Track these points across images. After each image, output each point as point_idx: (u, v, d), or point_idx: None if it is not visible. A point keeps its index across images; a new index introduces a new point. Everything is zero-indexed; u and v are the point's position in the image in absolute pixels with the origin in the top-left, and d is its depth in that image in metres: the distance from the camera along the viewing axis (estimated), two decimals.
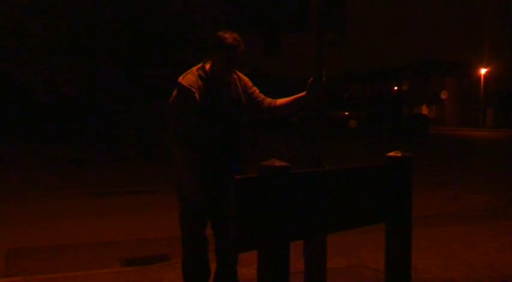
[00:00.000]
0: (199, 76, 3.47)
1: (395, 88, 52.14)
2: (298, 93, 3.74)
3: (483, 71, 48.56)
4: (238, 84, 3.69)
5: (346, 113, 26.32)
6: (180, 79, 3.44)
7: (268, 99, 3.78)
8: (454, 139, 29.08)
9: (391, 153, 3.01)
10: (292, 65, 32.79)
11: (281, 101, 3.76)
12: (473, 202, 9.11)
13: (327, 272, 3.97)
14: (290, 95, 3.82)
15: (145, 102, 18.68)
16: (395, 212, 2.96)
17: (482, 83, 47.91)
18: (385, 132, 25.64)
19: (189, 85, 3.37)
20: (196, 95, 3.35)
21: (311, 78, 3.52)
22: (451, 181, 11.89)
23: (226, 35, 3.48)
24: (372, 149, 16.68)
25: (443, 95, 50.65)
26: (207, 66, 3.56)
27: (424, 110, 51.40)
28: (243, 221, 2.28)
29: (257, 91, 3.79)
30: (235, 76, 3.70)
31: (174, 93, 3.48)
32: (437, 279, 4.54)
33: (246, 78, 3.80)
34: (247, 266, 4.55)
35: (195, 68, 3.55)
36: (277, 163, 2.36)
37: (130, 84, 17.77)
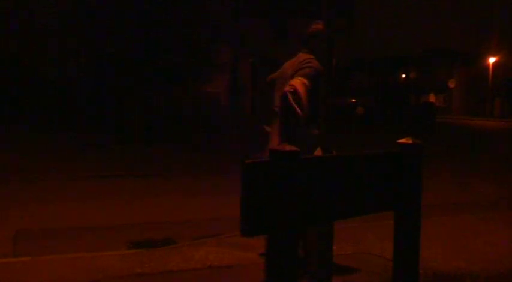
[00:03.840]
0: None
1: (403, 76, 51.89)
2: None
3: (492, 60, 48.17)
4: None
5: (353, 100, 26.24)
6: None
7: None
8: (461, 128, 28.95)
9: (402, 140, 2.97)
10: (298, 50, 32.58)
11: None
12: (481, 191, 9.06)
13: (335, 259, 3.98)
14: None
15: (157, 86, 18.69)
16: (404, 199, 2.93)
17: (490, 72, 47.54)
18: (392, 120, 25.56)
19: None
20: None
21: None
22: (459, 170, 11.85)
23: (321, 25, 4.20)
24: (379, 137, 16.63)
25: (451, 84, 50.32)
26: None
27: (432, 98, 51.17)
28: (251, 205, 2.26)
29: None
30: None
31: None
32: (444, 267, 4.52)
33: None
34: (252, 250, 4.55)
35: (310, 56, 4.08)
36: (288, 148, 2.33)
37: (141, 68, 17.75)
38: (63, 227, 5.93)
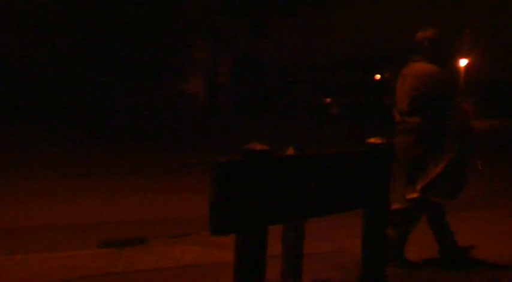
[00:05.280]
0: None
1: (379, 76, 52.38)
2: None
3: (463, 62, 48.87)
4: None
5: (329, 100, 26.43)
6: None
7: None
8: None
9: (372, 140, 3.02)
10: (279, 50, 32.68)
11: None
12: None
13: (306, 257, 4.01)
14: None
15: (130, 84, 18.55)
16: (373, 198, 2.98)
17: (462, 74, 48.25)
18: (366, 120, 25.83)
19: None
20: None
21: None
22: None
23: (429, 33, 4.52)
24: (353, 136, 16.77)
25: None
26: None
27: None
28: (221, 204, 2.28)
29: None
30: None
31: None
32: (415, 263, 4.58)
33: None
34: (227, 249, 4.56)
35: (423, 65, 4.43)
36: (258, 147, 2.35)
37: (113, 65, 17.59)
38: (35, 226, 5.86)
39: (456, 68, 48.83)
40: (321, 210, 2.81)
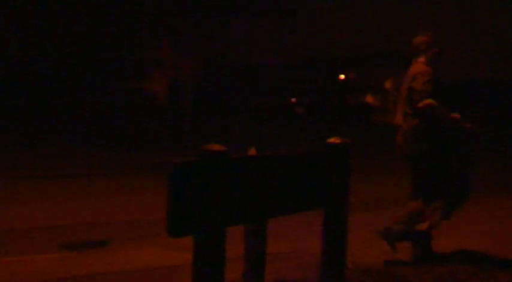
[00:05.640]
0: None
1: (343, 76, 52.92)
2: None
3: None
4: None
5: (294, 100, 26.59)
6: None
7: None
8: (396, 128, 29.77)
9: (330, 140, 3.05)
10: (242, 50, 32.73)
11: None
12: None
13: (268, 257, 4.02)
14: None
15: (90, 82, 18.27)
16: (332, 197, 3.01)
17: None
18: (330, 119, 26.09)
19: None
20: None
21: None
22: (392, 168, 12.13)
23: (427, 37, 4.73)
24: (315, 136, 16.89)
25: (387, 85, 51.78)
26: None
27: (369, 98, 52.41)
28: (178, 205, 2.26)
29: None
30: None
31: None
32: (374, 262, 4.64)
33: None
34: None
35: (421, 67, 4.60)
36: (216, 147, 2.34)
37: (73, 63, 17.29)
38: None
39: None
40: (281, 210, 2.82)
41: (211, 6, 26.37)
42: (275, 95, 32.53)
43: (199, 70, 26.81)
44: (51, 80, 18.15)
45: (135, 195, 7.96)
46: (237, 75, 31.33)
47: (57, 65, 17.59)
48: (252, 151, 3.92)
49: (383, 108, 51.12)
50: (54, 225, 5.92)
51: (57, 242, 5.22)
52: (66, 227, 5.90)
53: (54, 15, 17.49)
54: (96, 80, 18.57)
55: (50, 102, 18.55)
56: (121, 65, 18.91)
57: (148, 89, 21.86)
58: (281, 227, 5.25)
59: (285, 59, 40.86)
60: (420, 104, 4.41)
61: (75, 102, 18.36)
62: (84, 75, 17.78)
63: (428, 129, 4.48)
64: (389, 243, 4.63)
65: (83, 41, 17.56)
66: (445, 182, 4.53)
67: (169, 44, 21.80)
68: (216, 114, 23.11)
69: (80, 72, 17.53)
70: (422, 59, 4.73)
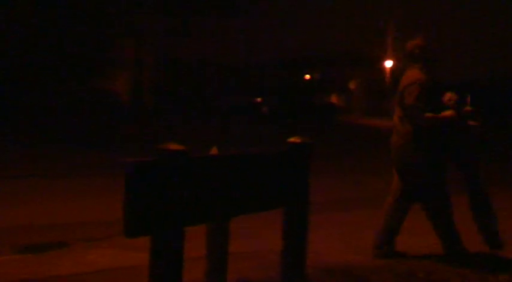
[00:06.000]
0: None
1: (308, 77, 53.29)
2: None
3: (388, 63, 50.61)
4: None
5: (259, 100, 26.63)
6: None
7: None
8: (360, 127, 30.21)
9: (291, 139, 3.03)
10: (202, 48, 32.53)
11: None
12: (375, 187, 9.44)
13: (231, 257, 3.99)
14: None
15: (50, 82, 17.89)
16: (293, 196, 2.99)
17: (387, 75, 49.95)
18: (295, 120, 26.22)
19: None
20: None
21: None
22: (354, 167, 12.27)
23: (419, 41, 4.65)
24: (279, 135, 16.92)
25: (352, 85, 52.43)
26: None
27: (334, 99, 52.92)
28: (134, 205, 2.20)
29: None
30: None
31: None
32: (336, 260, 4.66)
33: None
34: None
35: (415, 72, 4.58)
36: (173, 146, 2.29)
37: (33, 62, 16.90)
38: None
39: (382, 70, 50.56)
40: (241, 209, 2.79)
41: (174, 5, 26.18)
42: (241, 94, 32.60)
43: (163, 70, 26.58)
44: (9, 79, 17.70)
45: (93, 196, 7.81)
46: (202, 75, 31.21)
47: (17, 65, 17.16)
48: (214, 150, 3.88)
49: (347, 108, 51.77)
50: (9, 227, 5.75)
51: (9, 243, 5.06)
52: (22, 228, 5.73)
53: (16, 15, 17.07)
54: (57, 81, 18.18)
55: (12, 102, 18.11)
56: (84, 64, 18.58)
57: (112, 89, 21.54)
58: (245, 227, 5.23)
59: (253, 59, 40.93)
60: (423, 123, 4.41)
61: (37, 103, 17.96)
62: (45, 75, 17.39)
63: (425, 135, 4.47)
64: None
65: (43, 40, 17.17)
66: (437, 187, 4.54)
67: (131, 44, 21.53)
68: (180, 114, 22.96)
69: (41, 72, 17.14)
70: (417, 65, 4.62)
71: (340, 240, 5.49)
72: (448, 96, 4.74)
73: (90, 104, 20.17)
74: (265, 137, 18.23)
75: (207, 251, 3.84)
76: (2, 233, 5.52)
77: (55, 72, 17.57)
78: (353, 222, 6.36)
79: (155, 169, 2.25)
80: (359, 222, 6.38)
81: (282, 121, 25.08)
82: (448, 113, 4.54)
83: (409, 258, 4.70)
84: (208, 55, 29.88)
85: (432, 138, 4.49)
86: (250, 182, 2.79)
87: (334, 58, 52.94)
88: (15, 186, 8.42)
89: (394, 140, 4.65)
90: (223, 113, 22.62)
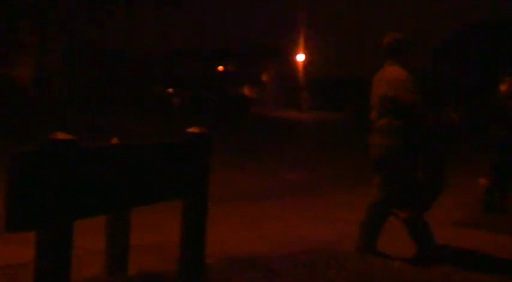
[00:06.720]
0: None
1: (222, 68, 53.26)
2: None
3: (301, 57, 51.66)
4: None
5: (170, 90, 26.29)
6: None
7: None
8: (273, 120, 30.63)
9: (190, 130, 3.01)
10: (120, 37, 31.63)
11: None
12: (287, 178, 9.62)
13: (132, 250, 3.91)
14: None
15: None
16: (191, 187, 2.98)
17: (300, 68, 51.01)
18: (207, 111, 26.13)
19: None
20: None
21: None
22: (266, 159, 12.40)
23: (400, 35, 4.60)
24: (188, 127, 16.76)
25: (264, 77, 53.05)
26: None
27: (247, 91, 53.30)
28: (19, 198, 2.09)
29: None
30: None
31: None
32: (242, 251, 4.69)
33: None
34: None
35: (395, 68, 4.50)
36: (61, 136, 2.20)
37: None
38: None
39: (294, 63, 51.53)
40: (135, 201, 2.73)
41: None
42: (155, 85, 32.02)
43: (76, 57, 25.47)
44: None
45: None
46: (115, 64, 30.29)
47: None
48: (114, 141, 3.78)
49: (260, 100, 52.30)
50: None
51: None
52: None
53: None
54: None
55: None
56: None
57: (14, 76, 20.34)
58: (147, 219, 5.15)
59: (167, 49, 40.30)
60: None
61: None
62: None
63: (404, 128, 4.41)
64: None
65: None
66: (413, 182, 4.48)
67: (32, 27, 20.33)
68: (89, 104, 22.20)
69: None
70: (397, 59, 4.54)
71: (245, 231, 5.55)
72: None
73: None
74: (174, 128, 18.01)
75: (106, 244, 3.75)
76: None
77: None
78: (260, 212, 6.44)
79: (40, 160, 2.14)
80: (266, 212, 6.48)
81: (193, 112, 24.91)
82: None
83: (313, 251, 4.78)
84: (124, 44, 29.07)
85: (411, 133, 4.45)
86: (145, 173, 2.73)
87: (248, 50, 53.29)
88: None
89: (378, 141, 4.54)
90: (135, 103, 22.14)
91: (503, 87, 6.11)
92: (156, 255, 4.45)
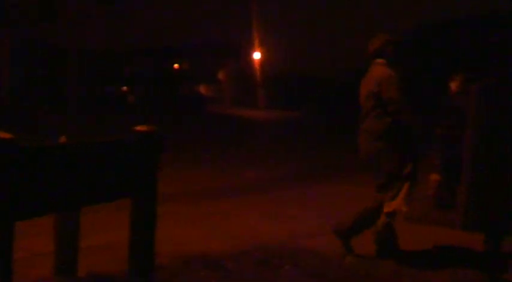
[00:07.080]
0: None
1: (177, 66, 52.84)
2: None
3: (257, 55, 51.76)
4: None
5: (125, 88, 25.91)
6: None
7: None
8: (229, 118, 30.59)
9: (139, 128, 2.95)
10: (68, 33, 30.80)
11: None
12: (243, 176, 9.60)
13: (82, 251, 3.82)
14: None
15: None
16: (139, 186, 2.92)
17: (256, 66, 51.07)
18: (161, 109, 25.88)
19: None
20: None
21: None
22: (222, 157, 12.34)
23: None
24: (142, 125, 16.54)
25: (220, 75, 52.93)
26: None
27: (203, 89, 53.06)
28: None
29: None
30: None
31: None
32: (196, 249, 4.65)
33: None
34: None
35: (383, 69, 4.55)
36: (0, 135, 2.11)
37: None
38: None
39: (250, 61, 51.59)
40: (81, 201, 2.65)
41: None
42: (108, 83, 31.45)
43: (23, 55, 24.73)
44: None
45: None
46: (68, 61, 29.51)
47: None
48: (62, 140, 3.68)
49: (216, 98, 52.17)
50: None
51: None
52: None
53: None
54: None
55: None
56: None
57: None
58: (97, 219, 5.04)
59: (120, 47, 39.60)
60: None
61: None
62: None
63: (386, 129, 4.43)
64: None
65: None
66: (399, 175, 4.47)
67: None
68: (39, 103, 21.63)
69: None
70: (384, 60, 4.59)
71: (199, 229, 5.51)
72: None
73: None
74: (127, 127, 17.66)
75: (55, 245, 3.66)
76: None
77: None
78: (215, 211, 6.40)
79: None
80: (221, 210, 6.45)
81: (147, 111, 24.61)
82: None
83: (266, 248, 4.78)
84: (74, 41, 28.31)
85: (396, 133, 4.47)
86: (92, 172, 2.66)
87: (203, 48, 53.05)
88: None
89: (368, 144, 4.55)
90: (87, 102, 21.71)
91: (453, 85, 6.14)
92: (106, 255, 4.35)
